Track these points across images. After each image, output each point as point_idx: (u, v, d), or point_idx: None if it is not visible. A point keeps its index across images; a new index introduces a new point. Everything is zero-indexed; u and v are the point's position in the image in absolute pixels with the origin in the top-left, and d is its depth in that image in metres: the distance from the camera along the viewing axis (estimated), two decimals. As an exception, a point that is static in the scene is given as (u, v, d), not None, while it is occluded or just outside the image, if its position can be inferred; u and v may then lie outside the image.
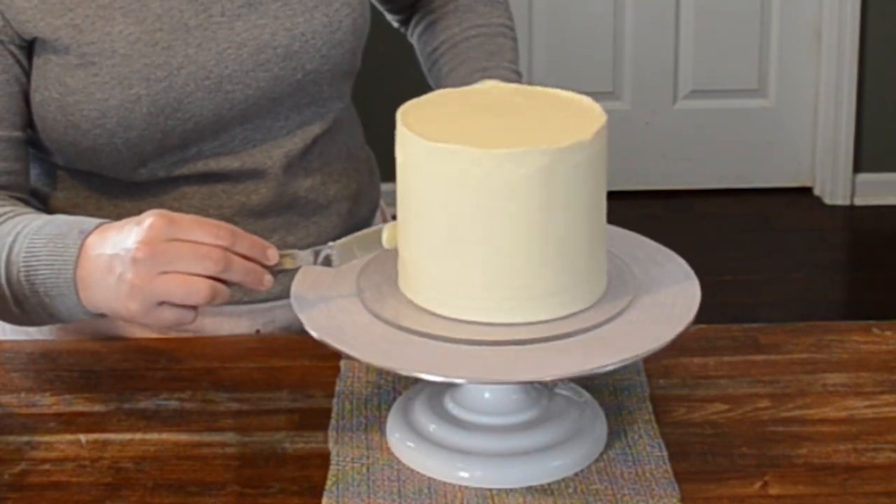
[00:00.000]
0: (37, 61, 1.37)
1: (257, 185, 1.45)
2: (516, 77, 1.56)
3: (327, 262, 1.21)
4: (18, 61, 1.37)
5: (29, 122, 1.40)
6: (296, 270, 1.22)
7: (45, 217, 1.29)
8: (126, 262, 1.17)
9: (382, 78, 2.33)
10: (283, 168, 1.46)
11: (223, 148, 1.43)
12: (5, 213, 1.30)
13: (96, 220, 1.25)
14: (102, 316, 1.25)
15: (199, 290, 1.15)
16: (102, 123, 1.37)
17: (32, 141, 1.42)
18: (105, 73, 1.36)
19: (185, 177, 1.43)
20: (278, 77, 1.42)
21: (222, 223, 1.18)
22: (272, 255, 1.18)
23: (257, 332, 1.48)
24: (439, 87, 1.58)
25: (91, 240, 1.22)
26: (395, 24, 1.69)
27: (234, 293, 1.20)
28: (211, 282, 1.16)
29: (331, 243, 1.21)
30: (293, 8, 1.41)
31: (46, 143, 1.41)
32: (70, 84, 1.36)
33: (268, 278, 1.18)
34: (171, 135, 1.39)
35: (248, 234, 1.18)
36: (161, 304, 1.17)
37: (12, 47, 1.36)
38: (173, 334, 1.46)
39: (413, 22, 1.65)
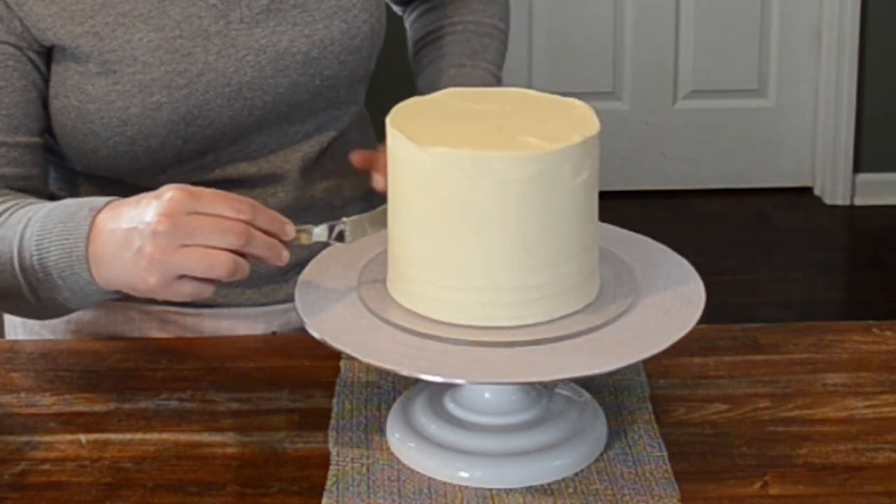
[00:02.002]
0: (56, 68, 1.37)
1: (275, 189, 1.45)
2: (492, 80, 1.56)
3: (341, 237, 1.21)
4: (37, 67, 1.36)
5: (47, 128, 1.39)
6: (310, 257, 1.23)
7: (55, 202, 1.28)
8: (146, 235, 1.15)
9: (391, 75, 2.33)
10: (300, 172, 1.46)
11: (241, 154, 1.43)
12: (16, 204, 1.30)
13: (107, 198, 1.23)
14: (117, 293, 1.23)
15: (220, 263, 1.14)
16: (123, 131, 1.36)
17: (51, 147, 1.42)
18: (126, 81, 1.35)
19: (203, 183, 1.41)
20: (297, 83, 1.42)
21: (243, 197, 1.17)
22: (290, 231, 1.18)
23: (273, 333, 1.48)
24: (418, 76, 1.58)
25: (103, 216, 1.21)
26: (398, 11, 1.69)
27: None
28: (233, 255, 1.14)
29: (344, 219, 1.22)
30: (312, 15, 1.41)
31: (65, 150, 1.40)
32: (90, 92, 1.36)
33: (285, 254, 1.17)
34: (190, 142, 1.39)
35: (268, 209, 1.18)
36: (180, 277, 1.15)
37: (31, 53, 1.35)
38: (189, 335, 1.46)
39: (410, 7, 1.66)
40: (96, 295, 1.24)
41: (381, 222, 1.22)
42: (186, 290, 1.16)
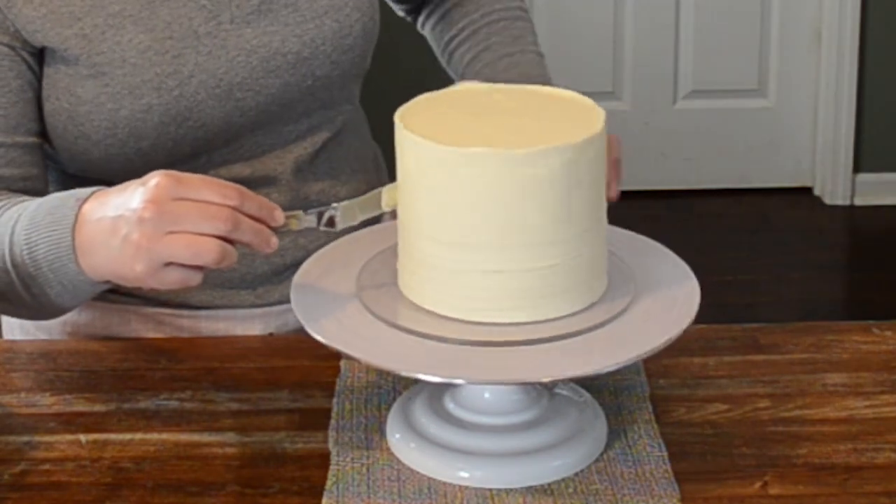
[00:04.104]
0: (47, 70, 1.36)
1: (269, 191, 1.45)
2: (540, 59, 1.56)
3: (331, 223, 1.20)
4: (31, 67, 1.36)
5: (44, 129, 1.39)
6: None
7: (45, 197, 1.27)
8: (132, 222, 1.13)
9: (388, 74, 2.33)
10: (294, 173, 1.46)
11: (233, 155, 1.43)
12: (8, 201, 1.29)
13: (93, 188, 1.22)
14: (107, 284, 1.23)
15: (208, 250, 1.12)
16: (114, 133, 1.36)
17: (44, 149, 1.41)
18: (116, 83, 1.35)
19: None
20: (289, 83, 1.41)
21: (230, 183, 1.15)
22: (279, 217, 1.16)
23: (270, 335, 1.48)
24: (461, 74, 1.57)
25: (89, 205, 1.20)
26: (401, 14, 1.68)
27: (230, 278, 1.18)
28: (220, 242, 1.13)
29: (335, 204, 1.20)
30: (303, 14, 1.41)
31: (58, 152, 1.40)
32: (80, 94, 1.35)
33: (274, 240, 1.16)
34: (182, 143, 1.39)
35: (256, 194, 1.16)
36: (167, 264, 1.14)
37: (24, 53, 1.35)
38: (186, 334, 1.46)
39: (426, 11, 1.64)
40: (86, 287, 1.23)
41: (372, 207, 1.21)
42: (174, 278, 1.15)
